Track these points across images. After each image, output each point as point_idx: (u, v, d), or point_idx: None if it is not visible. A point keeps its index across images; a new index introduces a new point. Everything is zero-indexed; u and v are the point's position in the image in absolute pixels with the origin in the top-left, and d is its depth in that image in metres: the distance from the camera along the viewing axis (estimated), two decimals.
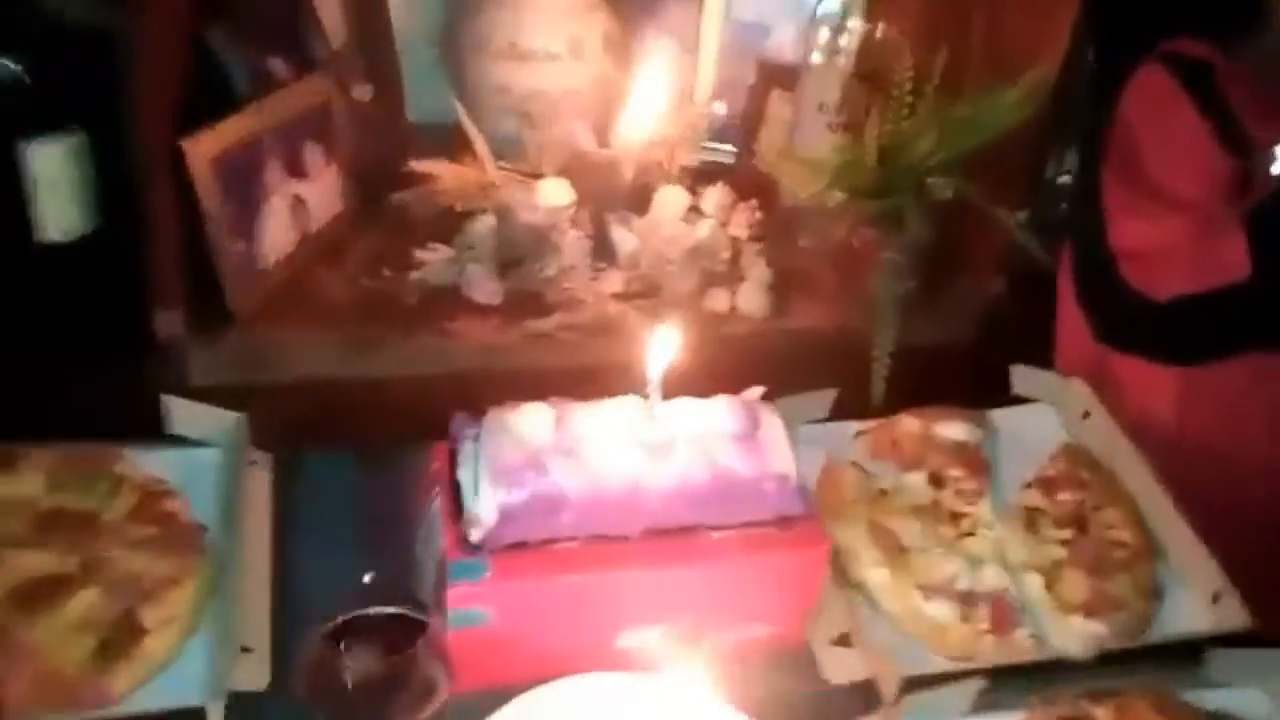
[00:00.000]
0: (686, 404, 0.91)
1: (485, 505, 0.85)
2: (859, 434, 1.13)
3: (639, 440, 0.88)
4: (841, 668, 0.93)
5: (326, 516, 1.03)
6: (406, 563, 0.95)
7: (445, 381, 1.11)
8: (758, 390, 1.00)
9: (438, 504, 0.90)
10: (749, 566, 0.89)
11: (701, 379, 0.92)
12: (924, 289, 1.16)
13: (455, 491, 0.89)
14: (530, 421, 0.89)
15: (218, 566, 0.92)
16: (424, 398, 1.11)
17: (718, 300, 1.20)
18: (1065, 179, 1.19)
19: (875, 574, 0.99)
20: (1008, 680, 0.91)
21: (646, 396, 0.89)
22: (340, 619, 0.80)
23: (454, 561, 0.85)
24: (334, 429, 1.09)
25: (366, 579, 0.81)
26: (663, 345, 0.88)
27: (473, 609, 0.85)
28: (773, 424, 0.92)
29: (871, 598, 0.98)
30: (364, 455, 1.10)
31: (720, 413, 0.91)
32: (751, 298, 1.20)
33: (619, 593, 0.87)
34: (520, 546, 0.85)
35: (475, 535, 0.85)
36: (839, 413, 1.14)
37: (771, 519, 0.89)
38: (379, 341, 1.12)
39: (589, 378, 1.12)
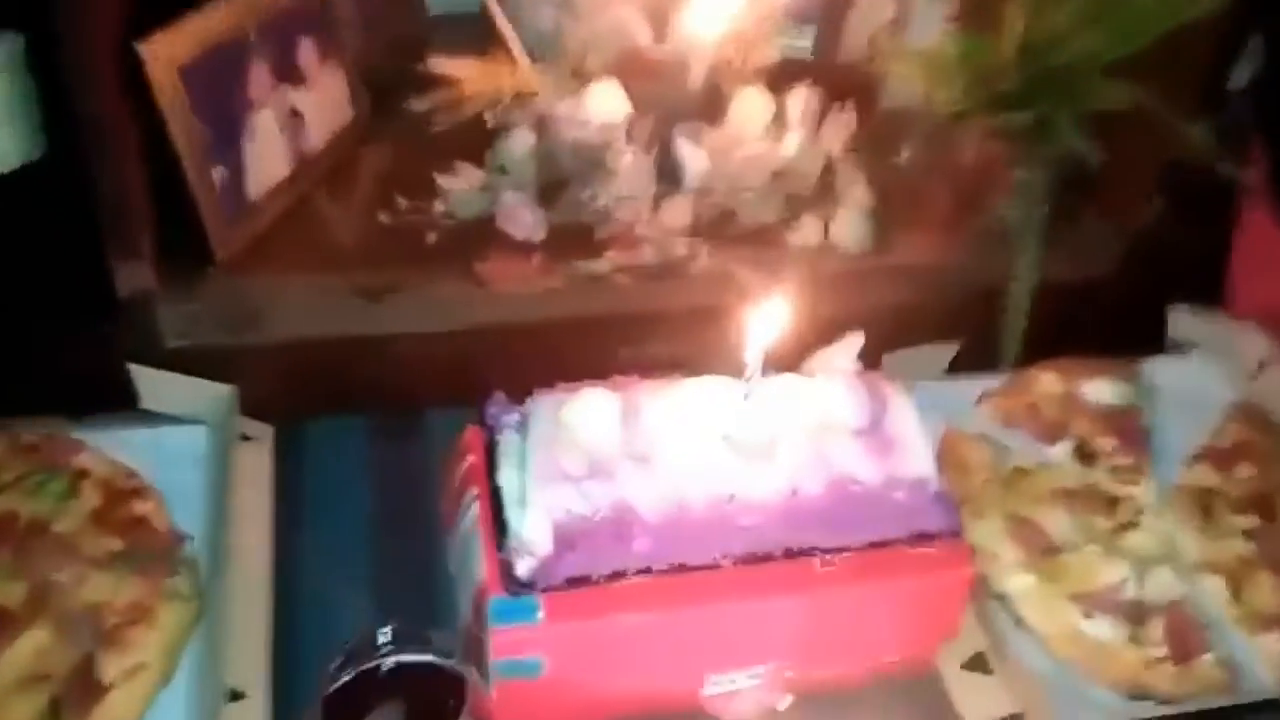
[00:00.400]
0: (792, 385, 0.71)
1: (536, 529, 0.66)
2: (985, 396, 0.93)
3: (732, 438, 0.68)
4: (979, 700, 0.75)
5: (340, 508, 0.85)
6: (436, 579, 0.77)
7: (475, 338, 0.92)
8: (856, 340, 0.80)
9: (474, 512, 0.71)
10: (871, 599, 0.70)
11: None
12: (1062, 215, 0.93)
13: (494, 499, 0.70)
14: (590, 413, 0.69)
15: (200, 589, 0.74)
16: (451, 358, 0.92)
17: (807, 232, 0.98)
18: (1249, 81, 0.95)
19: (1018, 581, 0.80)
20: None
21: (740, 374, 0.69)
22: (352, 671, 0.61)
23: (497, 600, 0.66)
24: (341, 400, 0.90)
25: (385, 635, 0.62)
26: (765, 315, 0.67)
27: (522, 658, 0.66)
28: (902, 410, 0.72)
29: (1014, 611, 0.79)
30: (383, 429, 0.90)
31: (837, 397, 0.71)
32: (849, 228, 0.98)
33: (705, 633, 0.69)
34: (580, 584, 0.66)
35: (524, 569, 0.66)
36: (958, 370, 0.94)
37: (902, 537, 0.70)
38: (395, 289, 0.92)
39: (651, 329, 0.92)
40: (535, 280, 0.94)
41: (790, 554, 0.68)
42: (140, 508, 0.78)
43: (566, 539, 0.66)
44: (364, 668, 0.62)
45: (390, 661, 0.62)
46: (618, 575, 0.66)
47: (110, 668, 0.68)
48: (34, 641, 0.68)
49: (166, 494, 0.80)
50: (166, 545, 0.76)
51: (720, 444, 0.68)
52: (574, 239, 0.96)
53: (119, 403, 0.84)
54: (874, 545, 0.69)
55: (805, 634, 0.69)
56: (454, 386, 0.87)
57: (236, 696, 0.70)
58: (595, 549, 0.66)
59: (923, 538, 0.70)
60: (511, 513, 0.68)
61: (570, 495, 0.66)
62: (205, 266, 0.90)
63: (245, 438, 0.87)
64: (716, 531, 0.67)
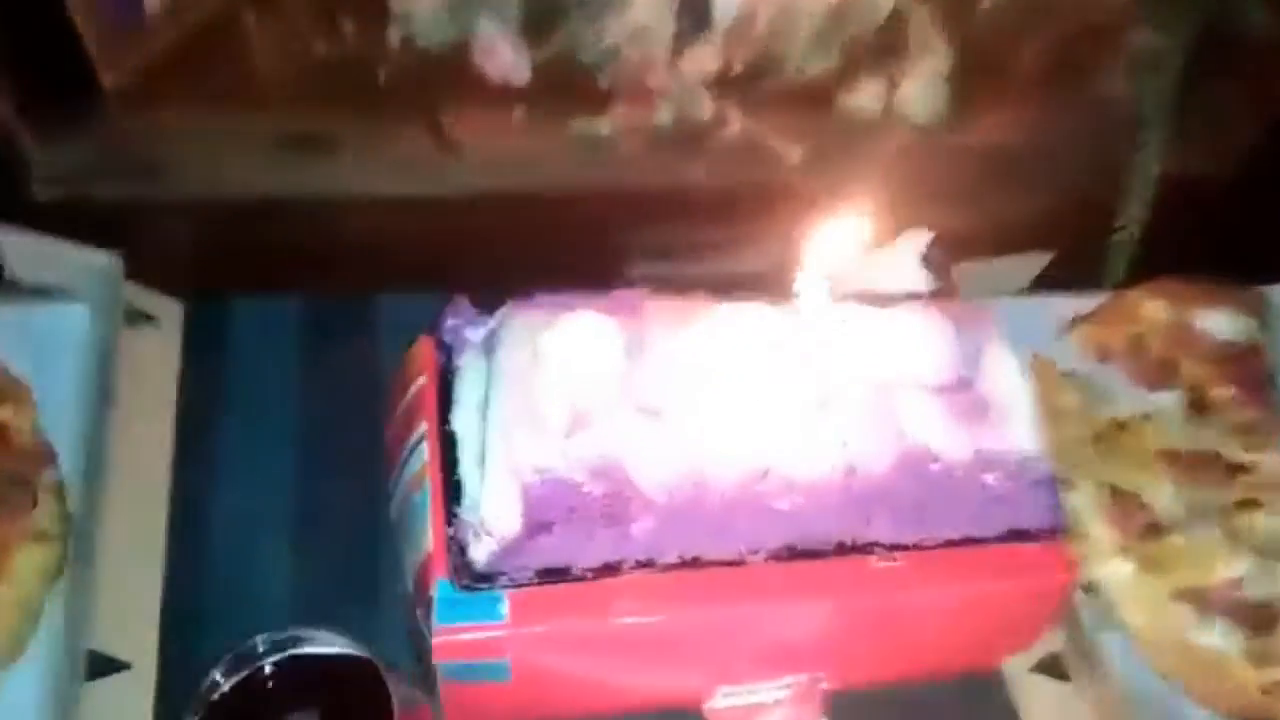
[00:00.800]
0: (857, 318, 0.52)
1: (499, 500, 0.48)
2: (1075, 323, 0.74)
3: (773, 389, 0.50)
4: (1051, 712, 0.60)
5: (262, 416, 0.69)
6: (380, 515, 0.60)
7: (437, 211, 0.72)
8: (918, 241, 0.62)
9: (421, 457, 0.53)
10: (937, 606, 0.53)
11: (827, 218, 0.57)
12: (1196, 95, 0.73)
13: (447, 447, 0.52)
14: (582, 342, 0.50)
15: (70, 524, 0.57)
16: (406, 234, 0.73)
17: (867, 94, 0.77)
18: None
19: (1112, 569, 0.63)
20: None
21: (788, 299, 0.50)
22: (258, 663, 0.47)
23: (444, 592, 0.49)
24: (269, 277, 0.72)
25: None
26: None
27: (479, 661, 0.50)
28: (1001, 358, 0.53)
29: (1104, 605, 0.63)
30: (320, 317, 0.72)
31: (916, 336, 0.52)
32: (920, 93, 0.77)
33: (719, 638, 0.52)
34: (557, 578, 0.49)
35: (481, 555, 0.48)
36: (1044, 287, 0.75)
37: (990, 535, 0.52)
38: (335, 142, 0.71)
39: (664, 214, 0.73)
40: (516, 140, 0.73)
41: (841, 549, 0.50)
42: (2, 412, 0.60)
43: (540, 515, 0.48)
44: (246, 673, 0.46)
45: (306, 649, 0.46)
46: (609, 569, 0.49)
47: None
48: None
49: (33, 397, 0.62)
50: (30, 464, 0.59)
51: (756, 397, 0.50)
52: (569, 88, 0.75)
53: None
54: (949, 543, 0.51)
55: (849, 643, 0.53)
56: (409, 269, 0.70)
57: (115, 667, 0.54)
58: (579, 531, 0.48)
59: (1015, 536, 0.52)
60: (468, 470, 0.51)
61: (548, 453, 0.49)
62: (87, 96, 0.70)
63: (146, 317, 0.69)
64: (744, 516, 0.50)
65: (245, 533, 0.64)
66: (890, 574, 0.51)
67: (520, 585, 0.48)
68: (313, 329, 0.73)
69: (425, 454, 0.54)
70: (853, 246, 0.48)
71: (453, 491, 0.51)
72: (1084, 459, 0.67)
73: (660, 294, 0.55)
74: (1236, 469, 0.67)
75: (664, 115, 0.74)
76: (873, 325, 0.53)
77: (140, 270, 0.70)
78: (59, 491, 0.59)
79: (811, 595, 0.51)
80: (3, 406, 0.61)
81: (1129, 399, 0.70)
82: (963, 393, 0.52)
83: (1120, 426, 0.69)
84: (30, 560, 0.56)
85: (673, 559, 0.49)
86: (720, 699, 0.54)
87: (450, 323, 0.56)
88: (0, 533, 0.55)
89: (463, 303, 0.56)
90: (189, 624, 0.58)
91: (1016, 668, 0.61)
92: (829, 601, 0.51)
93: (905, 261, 0.65)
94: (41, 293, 0.67)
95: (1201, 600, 0.62)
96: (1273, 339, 0.74)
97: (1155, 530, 0.64)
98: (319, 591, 0.62)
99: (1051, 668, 0.62)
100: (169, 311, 0.71)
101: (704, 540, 0.49)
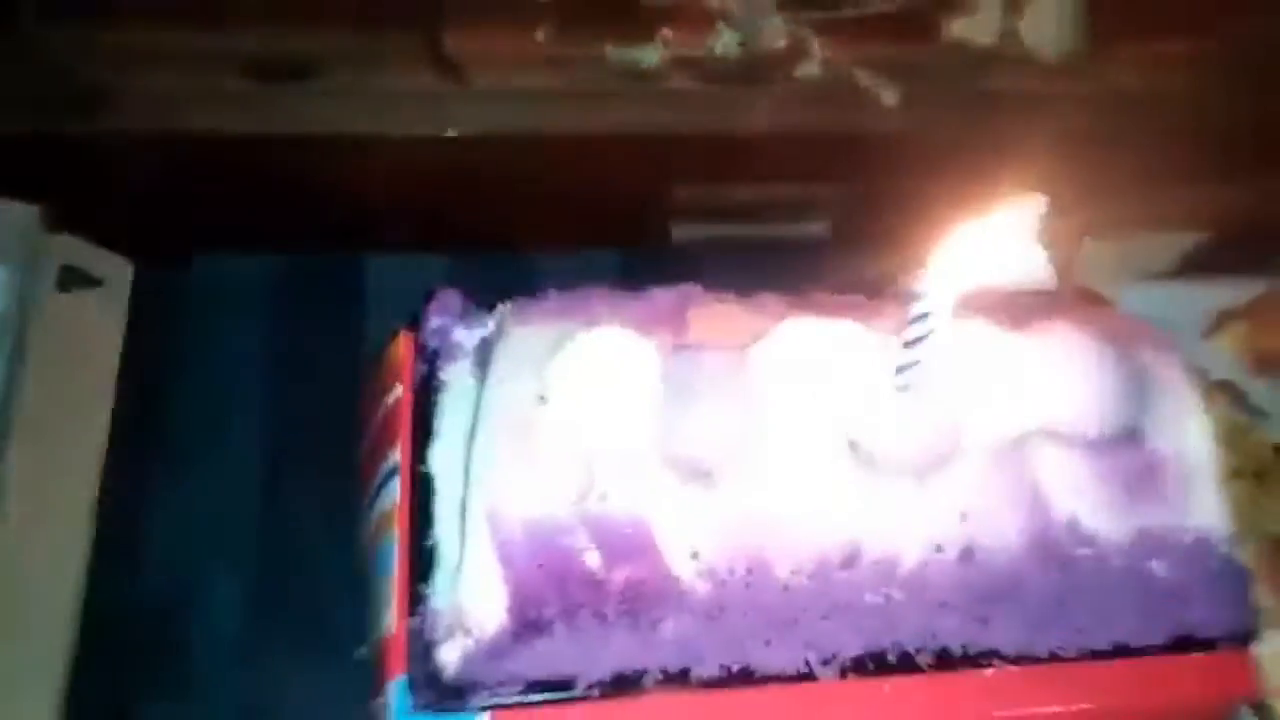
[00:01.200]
0: (981, 338, 0.38)
1: (481, 584, 0.35)
2: (1227, 319, 0.59)
3: (864, 441, 0.36)
4: None
5: (224, 410, 0.58)
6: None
7: (436, 155, 0.58)
8: (1029, 208, 0.48)
9: (392, 497, 0.41)
10: None
11: (928, 179, 0.51)
12: None
13: (422, 492, 0.39)
14: (602, 371, 0.36)
15: None
16: (398, 182, 0.59)
17: (978, 21, 0.61)
18: None
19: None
20: None
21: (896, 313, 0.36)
22: None
23: (403, 711, 0.36)
24: (235, 233, 0.59)
25: None
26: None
27: None
28: (1174, 392, 0.39)
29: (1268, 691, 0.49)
30: (295, 279, 0.60)
31: (1066, 369, 0.38)
32: (1044, 21, 0.61)
33: None
34: (555, 692, 0.36)
35: (453, 661, 0.35)
36: (1196, 270, 0.61)
37: (1154, 643, 0.38)
38: (312, 67, 0.58)
39: (716, 162, 0.58)
40: (537, 68, 0.59)
41: (948, 660, 0.37)
42: None
43: (535, 607, 0.35)
44: None
45: None
46: (628, 684, 0.36)
47: None
48: None
49: None
50: None
51: (841, 451, 0.36)
52: (604, 3, 0.60)
53: None
54: (1097, 654, 0.37)
55: None
56: (402, 226, 0.57)
57: None
58: (589, 630, 0.35)
59: (1187, 645, 0.38)
60: (446, 532, 0.38)
61: (551, 520, 0.35)
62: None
63: (89, 279, 0.57)
64: (817, 613, 0.36)
65: (192, 550, 0.53)
66: (1015, 693, 0.37)
67: (506, 704, 0.35)
68: (285, 295, 0.62)
69: (395, 494, 0.41)
70: (997, 242, 0.34)
71: (423, 560, 0.38)
72: (1242, 504, 0.52)
73: (711, 296, 0.40)
74: None
75: (724, 42, 0.59)
76: (1002, 350, 0.38)
77: (83, 223, 0.58)
78: None
79: (903, 714, 0.37)
80: None
81: None
82: (1125, 448, 0.38)
83: None
84: None
85: (715, 670, 0.36)
86: None
87: (435, 322, 0.42)
88: None
89: (451, 296, 0.43)
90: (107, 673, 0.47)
91: None
92: None
93: (1013, 238, 0.51)
94: None
95: None
96: None
97: None
98: (276, 630, 0.51)
99: None
100: (116, 272, 0.59)
101: (760, 645, 0.36)
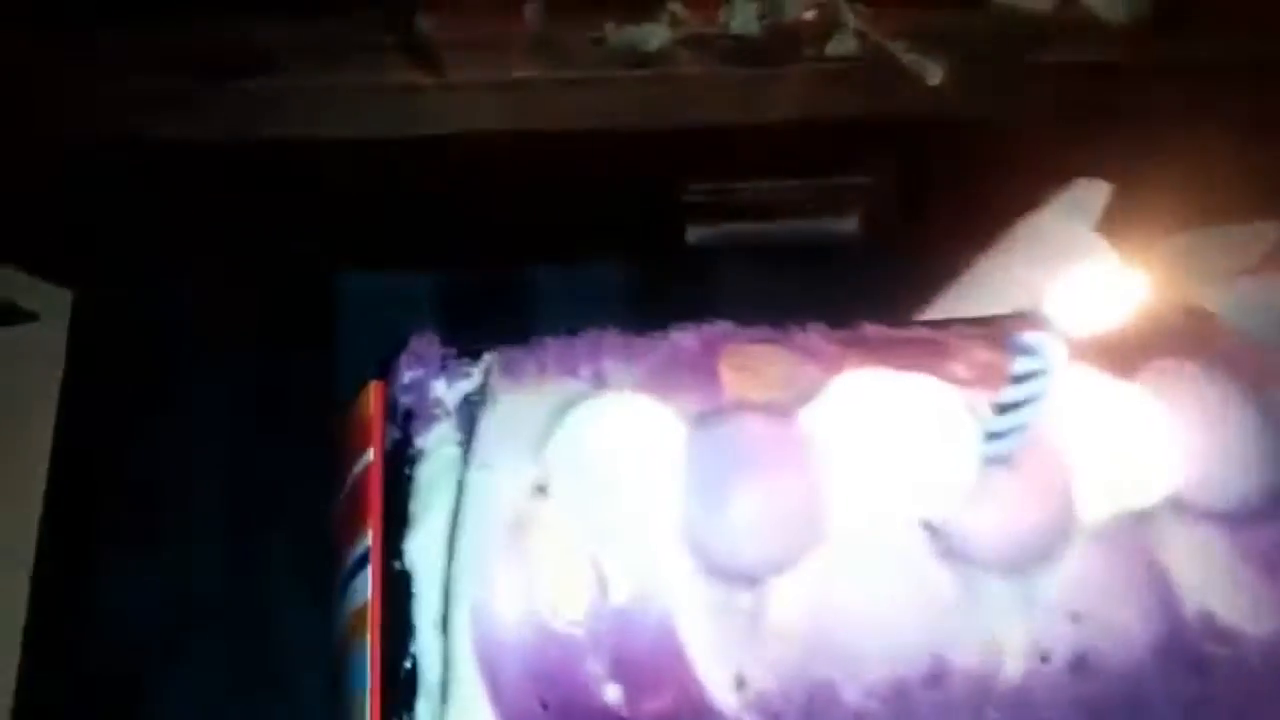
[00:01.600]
0: (1090, 391, 0.31)
1: None
2: None
3: (948, 525, 0.29)
4: None
5: (172, 456, 0.50)
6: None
7: (412, 156, 0.50)
8: (1093, 193, 0.43)
9: (362, 593, 0.34)
10: None
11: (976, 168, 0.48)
12: None
13: (395, 592, 0.32)
14: (615, 452, 0.29)
15: None
16: (368, 190, 0.51)
17: None
18: None
19: None
20: None
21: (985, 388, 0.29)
22: None
23: None
24: (172, 260, 0.52)
25: None
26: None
27: None
28: None
29: None
30: (247, 311, 0.53)
31: (1194, 425, 0.30)
32: None
33: None
34: None
35: None
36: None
37: None
38: (267, 61, 0.50)
39: (733, 155, 0.51)
40: (526, 54, 0.51)
41: None
42: None
43: None
44: None
45: None
46: None
47: None
48: None
49: None
50: None
51: (919, 541, 0.29)
52: None
53: None
54: None
55: None
56: (374, 238, 0.49)
57: None
58: None
59: None
60: (425, 644, 0.30)
61: (555, 642, 0.28)
62: None
63: (24, 314, 0.51)
64: None
65: (134, 633, 0.45)
66: None
67: None
68: (243, 323, 0.54)
69: (366, 590, 0.34)
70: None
71: (401, 684, 0.30)
72: None
73: (744, 335, 0.33)
74: None
75: (741, 18, 0.51)
76: (1112, 402, 0.31)
77: (14, 250, 0.51)
78: None
79: None
80: None
81: None
82: (1271, 520, 0.30)
83: None
84: None
85: None
86: None
87: (409, 376, 0.35)
88: None
89: (427, 345, 0.35)
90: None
91: None
92: None
93: (1073, 227, 0.45)
94: None
95: None
96: None
97: None
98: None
99: None
100: (53, 303, 0.53)
101: None
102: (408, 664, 0.31)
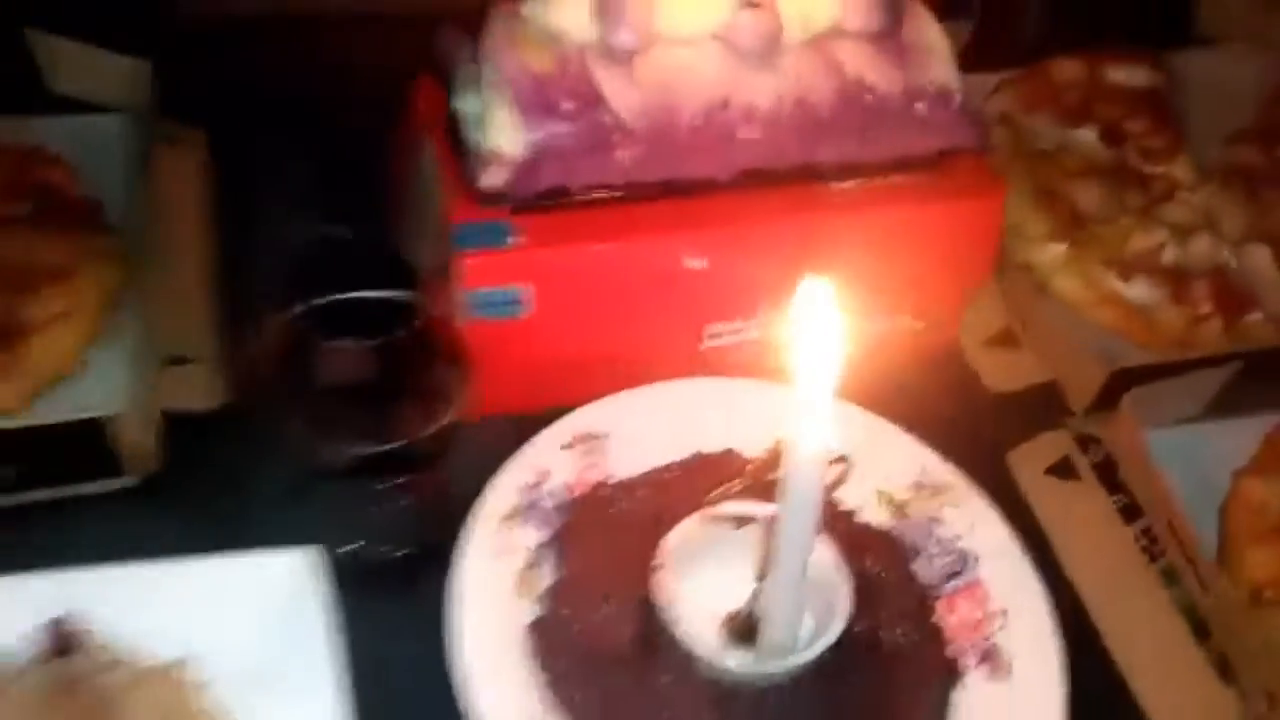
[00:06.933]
0: None
1: (504, 133, 0.61)
2: (1004, 83, 0.88)
3: (729, 39, 0.63)
4: (1006, 372, 0.72)
5: (282, 200, 0.77)
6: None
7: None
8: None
9: (430, 153, 0.65)
10: (884, 226, 0.65)
11: None
12: None
13: (452, 127, 0.64)
14: (560, 9, 0.62)
15: (125, 254, 0.68)
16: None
17: None
18: None
19: (1048, 251, 0.76)
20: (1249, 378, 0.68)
21: None
22: (311, 303, 0.56)
23: (463, 224, 0.61)
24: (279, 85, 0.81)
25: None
26: None
27: (497, 289, 0.61)
28: (921, 19, 0.66)
29: (1043, 281, 0.76)
30: (328, 120, 0.82)
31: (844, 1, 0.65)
32: None
33: (704, 269, 0.63)
34: (557, 198, 0.61)
35: (491, 179, 0.61)
36: (974, 58, 0.88)
37: (921, 156, 0.65)
38: None
39: None
40: None
41: (795, 172, 0.63)
42: (50, 174, 0.72)
43: (538, 145, 0.61)
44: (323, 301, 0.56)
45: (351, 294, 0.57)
46: (599, 191, 0.61)
47: (31, 313, 0.63)
48: None
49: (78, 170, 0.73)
50: (83, 210, 0.71)
51: (715, 45, 0.62)
52: None
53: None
54: (895, 165, 0.64)
55: (808, 270, 0.64)
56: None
57: (178, 361, 0.65)
58: (572, 157, 0.61)
59: (943, 158, 0.65)
60: (473, 134, 0.63)
61: (542, 99, 0.61)
62: None
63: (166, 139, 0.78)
64: (711, 143, 0.63)
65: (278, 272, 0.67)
66: (846, 196, 0.63)
67: (527, 207, 0.60)
68: (322, 132, 0.80)
69: (433, 150, 0.65)
70: None
71: (462, 158, 0.63)
72: (1016, 171, 0.79)
73: None
74: (1149, 178, 0.81)
75: None
76: None
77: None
78: (113, 231, 0.69)
79: (776, 216, 0.63)
80: (54, 170, 0.72)
81: (1051, 135, 0.84)
82: (889, 39, 0.65)
83: (1044, 154, 0.82)
84: (96, 272, 0.66)
85: (652, 181, 0.61)
86: (709, 340, 0.66)
87: (443, 45, 0.66)
88: (69, 253, 0.66)
89: (456, 30, 0.67)
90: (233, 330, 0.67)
91: (972, 343, 0.73)
92: (792, 221, 0.63)
93: None
94: (78, 103, 0.78)
95: (1126, 266, 0.75)
96: (1175, 86, 0.88)
97: (1082, 220, 0.77)
98: None
99: (1003, 340, 0.74)
100: (187, 135, 0.78)
101: (678, 164, 0.62)
102: (463, 147, 0.63)
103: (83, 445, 0.56)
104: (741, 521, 0.55)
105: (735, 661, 0.50)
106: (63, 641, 0.49)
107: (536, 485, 0.58)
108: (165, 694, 0.48)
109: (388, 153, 0.73)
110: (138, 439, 0.59)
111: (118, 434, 0.57)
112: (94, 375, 0.63)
